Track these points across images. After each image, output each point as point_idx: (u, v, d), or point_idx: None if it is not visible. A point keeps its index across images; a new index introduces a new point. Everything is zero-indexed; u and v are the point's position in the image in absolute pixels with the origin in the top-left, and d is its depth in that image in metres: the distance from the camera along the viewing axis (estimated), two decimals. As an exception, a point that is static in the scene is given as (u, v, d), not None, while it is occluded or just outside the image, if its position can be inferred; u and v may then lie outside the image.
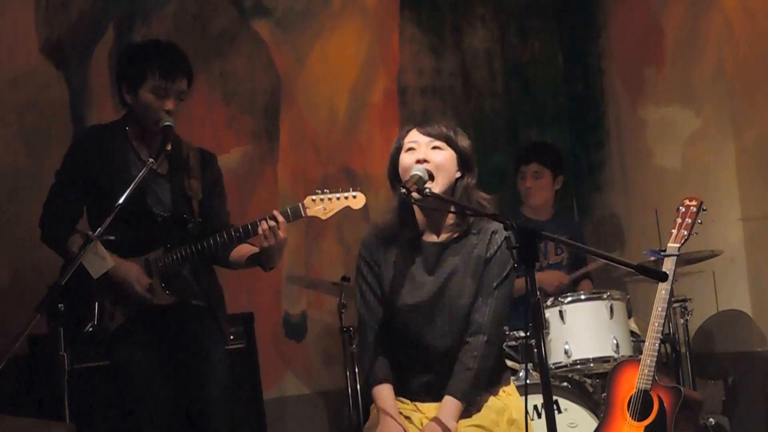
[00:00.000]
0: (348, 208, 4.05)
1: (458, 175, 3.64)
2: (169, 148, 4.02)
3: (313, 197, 4.02)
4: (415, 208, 3.65)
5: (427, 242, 3.66)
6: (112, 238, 3.88)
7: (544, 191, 5.68)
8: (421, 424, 3.60)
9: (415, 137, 3.65)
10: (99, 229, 3.69)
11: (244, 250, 4.16)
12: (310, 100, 6.09)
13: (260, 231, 3.95)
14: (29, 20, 5.48)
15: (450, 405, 3.56)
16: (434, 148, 3.61)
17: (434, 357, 3.63)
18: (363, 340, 3.71)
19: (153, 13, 5.73)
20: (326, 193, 4.03)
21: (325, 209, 4.01)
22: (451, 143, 3.64)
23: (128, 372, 4.04)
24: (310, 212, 4.01)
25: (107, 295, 3.99)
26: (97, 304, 3.97)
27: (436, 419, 3.54)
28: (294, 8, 6.07)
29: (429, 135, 3.63)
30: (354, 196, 4.04)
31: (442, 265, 3.63)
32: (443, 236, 3.65)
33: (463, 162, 3.65)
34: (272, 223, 3.93)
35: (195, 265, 4.14)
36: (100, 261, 3.84)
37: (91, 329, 3.94)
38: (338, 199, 4.02)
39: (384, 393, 3.63)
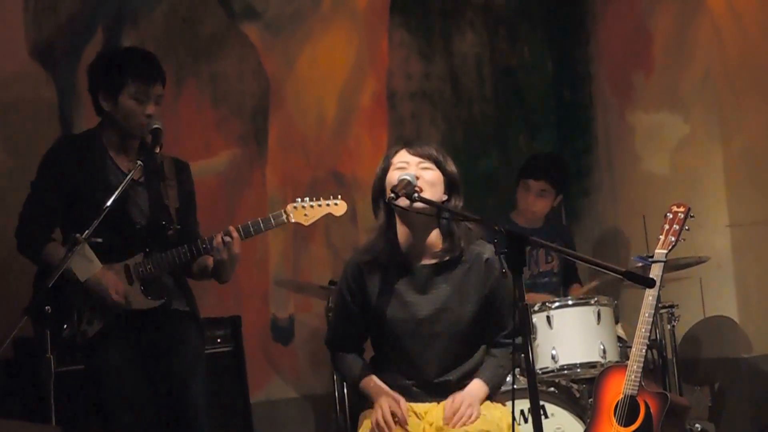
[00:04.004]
0: (330, 214, 4.16)
1: (445, 197, 3.64)
2: (158, 150, 4.03)
3: (295, 204, 4.12)
4: (399, 228, 3.65)
5: (415, 264, 3.65)
6: (99, 240, 3.88)
7: (544, 208, 5.65)
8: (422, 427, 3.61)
9: (405, 158, 3.64)
10: (87, 232, 3.69)
11: (209, 260, 4.19)
12: (299, 103, 6.08)
13: (215, 244, 3.99)
14: (17, 22, 5.46)
15: (478, 386, 3.63)
16: (424, 168, 3.61)
17: (430, 374, 3.64)
18: (334, 358, 3.82)
19: (142, 15, 5.71)
20: (308, 200, 4.12)
21: (306, 216, 4.12)
22: (440, 166, 3.64)
23: (107, 376, 4.04)
24: (293, 218, 4.10)
25: (86, 299, 3.99)
26: (76, 308, 3.97)
27: (462, 393, 3.60)
28: (283, 12, 6.06)
29: (419, 156, 3.63)
30: (336, 203, 4.15)
31: (433, 288, 3.63)
32: (432, 260, 3.65)
33: (451, 186, 3.65)
34: (227, 238, 3.99)
35: (175, 270, 4.16)
36: (87, 263, 3.84)
37: (67, 333, 3.94)
38: (320, 206, 4.14)
39: (371, 382, 3.67)
